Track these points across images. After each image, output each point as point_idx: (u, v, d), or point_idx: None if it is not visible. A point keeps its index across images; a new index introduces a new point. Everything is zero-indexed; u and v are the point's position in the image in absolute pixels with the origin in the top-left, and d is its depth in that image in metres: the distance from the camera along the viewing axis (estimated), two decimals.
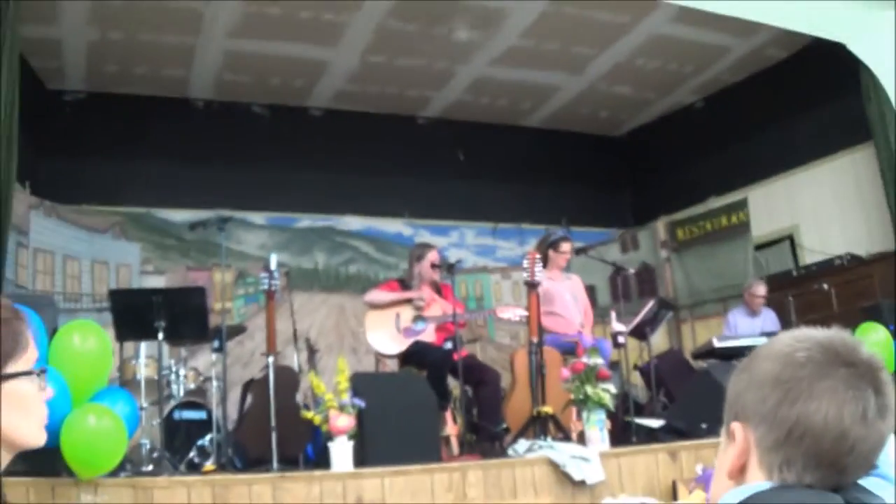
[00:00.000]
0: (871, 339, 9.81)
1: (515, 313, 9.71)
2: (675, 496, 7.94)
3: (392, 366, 9.91)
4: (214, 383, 9.75)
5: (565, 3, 12.35)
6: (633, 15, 12.82)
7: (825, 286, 11.97)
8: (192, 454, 8.88)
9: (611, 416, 8.80)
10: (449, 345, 9.43)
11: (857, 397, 1.74)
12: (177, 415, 9.32)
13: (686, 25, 13.15)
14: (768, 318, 12.10)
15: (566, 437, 8.35)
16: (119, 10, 11.42)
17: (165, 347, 9.02)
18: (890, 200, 12.28)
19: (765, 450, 1.79)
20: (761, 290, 12.23)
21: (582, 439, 8.40)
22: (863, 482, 1.79)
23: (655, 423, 9.60)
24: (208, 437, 8.96)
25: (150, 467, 7.98)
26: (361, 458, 7.37)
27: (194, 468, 8.53)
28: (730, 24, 12.57)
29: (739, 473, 1.84)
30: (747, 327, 11.90)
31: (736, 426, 1.85)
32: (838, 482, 1.75)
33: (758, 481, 1.79)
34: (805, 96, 13.97)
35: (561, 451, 7.76)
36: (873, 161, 12.76)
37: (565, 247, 10.65)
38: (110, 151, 13.10)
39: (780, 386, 1.78)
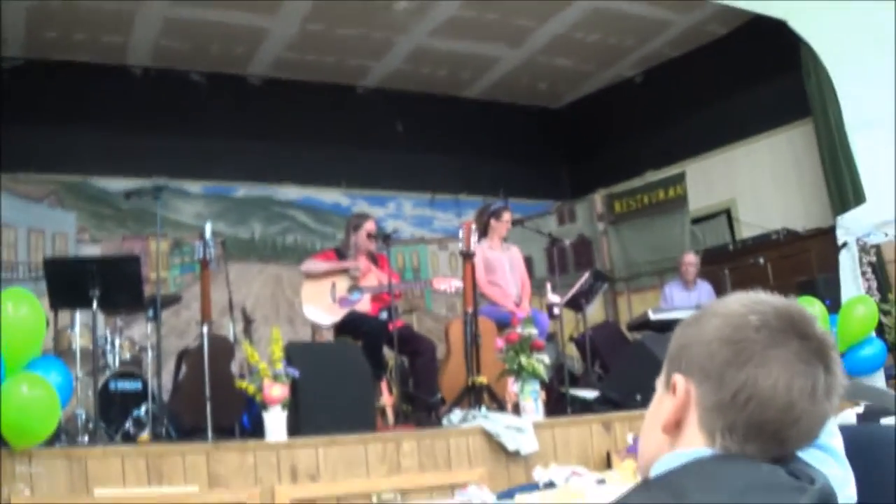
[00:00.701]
0: None
1: (451, 284, 9.75)
2: (609, 466, 7.99)
3: (328, 336, 9.92)
4: (150, 353, 9.69)
5: None
6: None
7: (761, 260, 12.06)
8: (127, 425, 8.83)
9: (546, 386, 8.85)
10: (384, 315, 9.44)
11: (808, 372, 1.70)
12: (112, 385, 9.27)
13: None
14: (704, 291, 12.21)
15: (501, 408, 8.39)
16: None
17: (101, 317, 8.96)
18: (828, 176, 12.44)
19: (706, 409, 1.73)
20: (690, 258, 12.37)
21: (517, 410, 8.44)
22: (803, 454, 1.76)
23: (590, 394, 9.67)
24: (143, 407, 8.91)
25: (86, 438, 7.96)
26: (296, 428, 7.35)
27: (130, 439, 8.50)
28: None
29: (675, 428, 1.78)
30: (683, 300, 12.01)
31: (678, 378, 1.78)
32: (779, 453, 1.72)
33: (696, 445, 1.73)
34: (745, 72, 14.08)
35: (495, 422, 7.79)
36: (812, 137, 12.92)
37: (506, 216, 10.70)
38: (47, 119, 12.98)
39: (730, 345, 1.72)
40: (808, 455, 1.78)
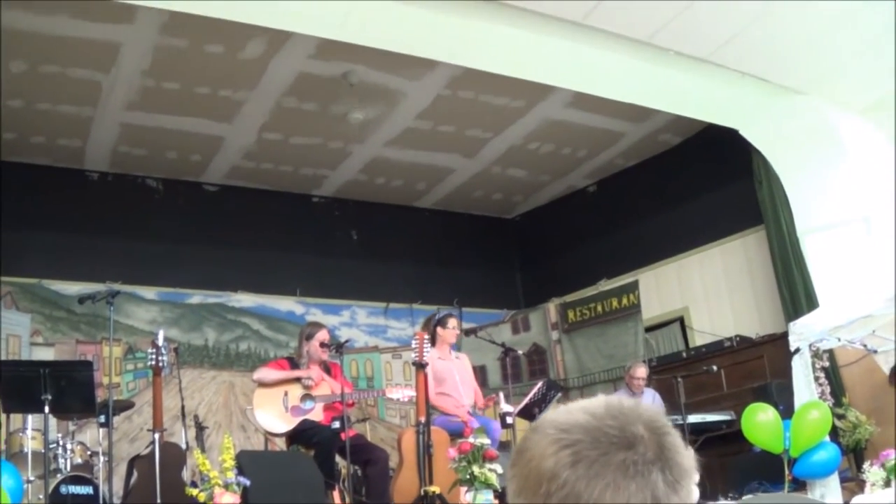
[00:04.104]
0: (760, 418, 9.99)
1: (404, 394, 9.79)
2: None
3: (281, 444, 9.89)
4: (101, 458, 9.65)
5: (461, 87, 12.50)
6: (528, 99, 13.01)
7: (714, 367, 12.12)
8: None
9: (499, 496, 8.85)
10: (337, 424, 9.41)
11: (642, 485, 1.52)
12: (63, 489, 9.18)
13: (580, 111, 13.38)
14: (649, 399, 12.22)
15: None
16: (20, 77, 11.33)
17: (53, 421, 8.94)
18: (780, 283, 12.57)
19: None
20: (640, 371, 12.38)
21: None
22: None
23: None
24: None
25: None
26: None
27: None
28: (624, 110, 12.85)
29: None
30: None
31: None
32: None
33: None
34: (698, 181, 14.32)
35: None
36: (764, 244, 13.12)
37: (452, 322, 10.76)
38: (3, 220, 12.95)
39: (554, 494, 1.53)
40: None
